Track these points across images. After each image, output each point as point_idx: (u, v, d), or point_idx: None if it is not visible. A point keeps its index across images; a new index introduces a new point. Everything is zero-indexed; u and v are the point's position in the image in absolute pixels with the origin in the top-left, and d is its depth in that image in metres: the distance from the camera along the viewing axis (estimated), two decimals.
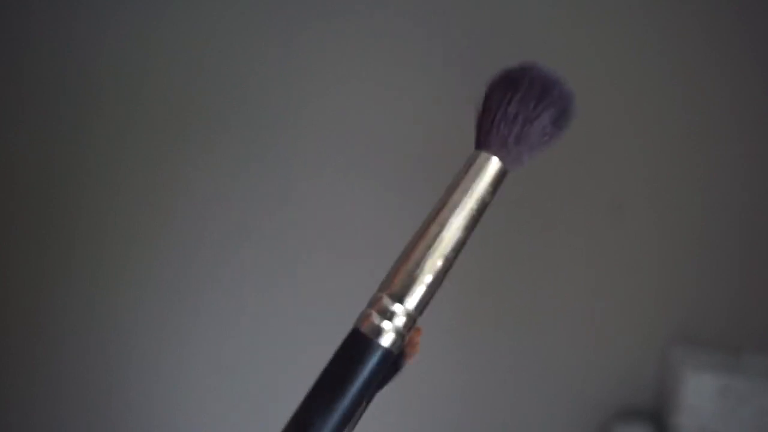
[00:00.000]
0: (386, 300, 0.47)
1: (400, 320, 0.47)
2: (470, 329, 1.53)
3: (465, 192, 0.49)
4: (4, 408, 1.59)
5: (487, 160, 0.49)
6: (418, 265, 0.48)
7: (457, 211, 0.49)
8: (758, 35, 1.46)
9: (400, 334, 0.47)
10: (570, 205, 1.51)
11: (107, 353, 1.57)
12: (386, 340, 0.47)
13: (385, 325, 0.47)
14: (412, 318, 0.48)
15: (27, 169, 1.56)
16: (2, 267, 1.58)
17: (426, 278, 0.48)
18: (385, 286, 0.48)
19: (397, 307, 0.47)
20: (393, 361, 0.57)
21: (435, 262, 0.48)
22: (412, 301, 0.48)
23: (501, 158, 0.49)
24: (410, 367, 0.56)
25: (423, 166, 1.49)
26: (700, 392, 1.35)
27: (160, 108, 1.53)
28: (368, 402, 0.57)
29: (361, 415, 0.56)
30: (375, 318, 0.47)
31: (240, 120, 1.52)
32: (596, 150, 1.51)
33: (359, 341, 0.47)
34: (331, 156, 1.52)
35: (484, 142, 0.49)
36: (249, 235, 1.54)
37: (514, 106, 0.48)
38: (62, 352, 1.57)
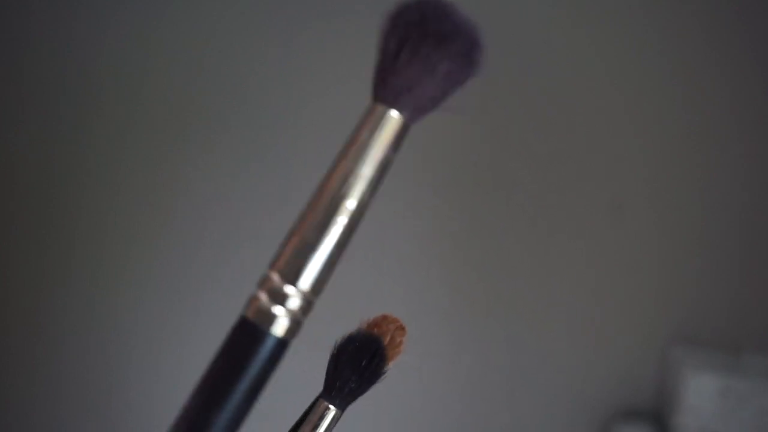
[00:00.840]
0: (276, 279, 0.41)
1: (294, 302, 0.41)
2: (468, 329, 1.53)
3: (362, 152, 0.42)
4: (4, 408, 1.59)
5: (386, 115, 0.43)
6: (312, 236, 0.41)
7: (355, 174, 0.42)
8: (758, 35, 1.46)
9: (296, 319, 0.41)
10: (569, 204, 1.51)
11: (107, 353, 1.57)
12: (279, 327, 0.40)
13: (277, 310, 0.41)
14: (308, 300, 0.41)
15: (27, 169, 1.56)
16: (2, 267, 1.58)
17: (321, 252, 0.41)
18: (274, 263, 0.41)
19: (289, 288, 0.41)
20: (374, 365, 0.54)
21: (331, 233, 0.41)
22: (307, 279, 0.41)
23: (401, 111, 0.42)
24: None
25: (423, 165, 1.49)
26: (700, 392, 1.35)
27: (160, 108, 1.53)
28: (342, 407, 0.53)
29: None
30: (264, 302, 0.41)
31: (240, 120, 1.52)
32: (596, 149, 1.51)
33: (247, 331, 0.41)
34: (331, 156, 1.52)
35: (380, 95, 0.43)
36: (249, 235, 1.54)
37: (409, 50, 0.42)
38: (62, 352, 1.57)
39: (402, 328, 0.56)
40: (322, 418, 0.51)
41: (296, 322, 0.41)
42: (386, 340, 0.55)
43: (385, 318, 0.57)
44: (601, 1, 1.48)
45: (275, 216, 1.62)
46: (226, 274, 1.58)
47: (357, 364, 0.53)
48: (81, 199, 1.56)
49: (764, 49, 1.46)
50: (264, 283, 0.41)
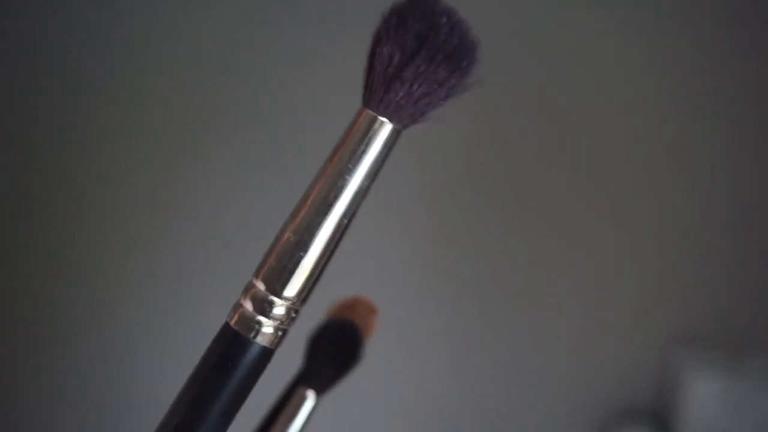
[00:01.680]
0: (260, 287, 0.39)
1: (279, 310, 0.39)
2: (468, 329, 1.53)
3: (354, 163, 0.40)
4: (5, 408, 1.59)
5: (379, 123, 0.40)
6: (297, 245, 0.39)
7: (345, 183, 0.40)
8: (758, 35, 1.46)
9: (280, 328, 0.40)
10: (570, 204, 1.51)
11: (107, 353, 1.57)
12: (262, 336, 0.39)
13: (261, 317, 0.39)
14: (294, 308, 0.40)
15: (27, 169, 1.56)
16: (2, 267, 1.58)
17: (307, 261, 0.39)
18: (259, 270, 0.40)
19: (274, 297, 0.39)
20: (353, 351, 0.54)
21: (317, 240, 0.40)
22: (292, 287, 0.39)
23: (396, 122, 0.41)
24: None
25: (424, 165, 1.49)
26: (700, 392, 1.35)
27: (160, 108, 1.53)
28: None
29: None
30: (248, 310, 0.39)
31: (240, 120, 1.52)
32: (596, 149, 1.51)
33: (230, 339, 0.40)
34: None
35: (377, 106, 0.40)
36: (249, 235, 1.54)
37: (417, 64, 0.40)
38: (62, 352, 1.57)
39: (374, 311, 0.57)
40: (300, 404, 0.53)
41: (281, 330, 0.40)
42: (361, 324, 0.56)
43: (357, 300, 0.58)
44: (601, 2, 1.48)
45: (275, 216, 1.62)
46: (226, 274, 1.58)
47: (336, 350, 0.55)
48: (81, 199, 1.56)
49: (764, 49, 1.46)
50: (248, 290, 0.39)
